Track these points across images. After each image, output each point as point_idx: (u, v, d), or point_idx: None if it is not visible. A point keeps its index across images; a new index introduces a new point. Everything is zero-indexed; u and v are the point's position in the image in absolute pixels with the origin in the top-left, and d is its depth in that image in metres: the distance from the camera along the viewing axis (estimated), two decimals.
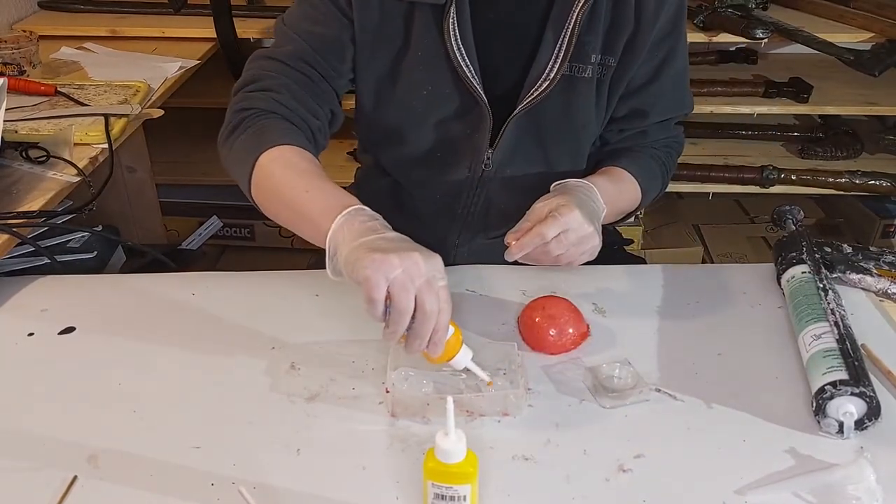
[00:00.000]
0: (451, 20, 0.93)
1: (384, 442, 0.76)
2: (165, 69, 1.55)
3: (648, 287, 1.01)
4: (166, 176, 1.96)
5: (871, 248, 1.02)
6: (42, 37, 1.56)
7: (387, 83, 1.01)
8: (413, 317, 0.72)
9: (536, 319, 0.89)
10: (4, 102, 1.07)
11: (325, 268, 0.79)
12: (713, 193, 2.08)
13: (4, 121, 1.09)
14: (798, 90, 1.94)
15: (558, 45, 0.96)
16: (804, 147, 2.07)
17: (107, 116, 1.24)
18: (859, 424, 0.76)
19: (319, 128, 0.97)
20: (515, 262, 0.89)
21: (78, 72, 1.54)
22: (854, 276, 0.99)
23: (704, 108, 1.92)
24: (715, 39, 1.80)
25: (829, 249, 1.00)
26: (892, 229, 2.20)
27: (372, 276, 0.71)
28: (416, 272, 0.72)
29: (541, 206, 0.90)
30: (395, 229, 0.79)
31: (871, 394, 0.75)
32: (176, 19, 1.82)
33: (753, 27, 1.71)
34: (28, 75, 1.48)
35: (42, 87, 1.34)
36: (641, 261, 1.24)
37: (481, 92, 0.97)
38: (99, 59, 1.63)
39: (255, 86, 0.96)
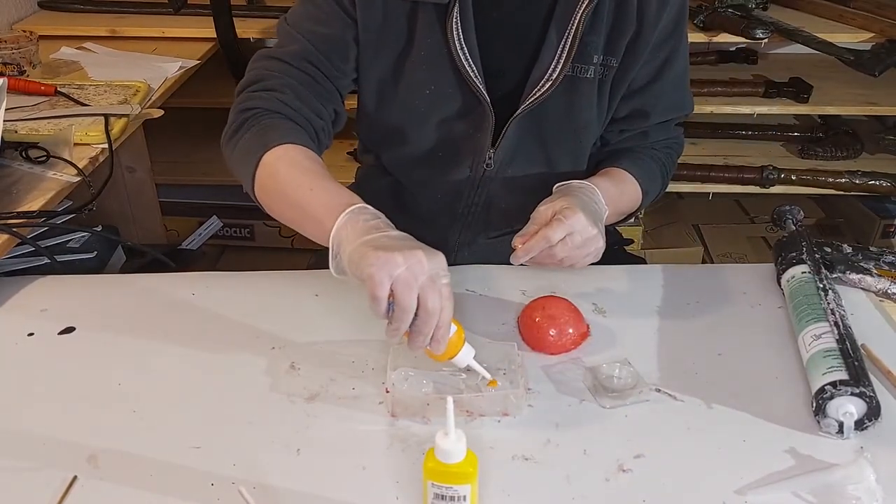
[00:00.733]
0: (454, 20, 0.93)
1: (384, 442, 0.76)
2: (165, 69, 1.55)
3: (648, 287, 1.01)
4: (166, 176, 1.95)
5: (871, 248, 1.02)
6: (42, 37, 1.56)
7: (389, 83, 1.01)
8: (416, 314, 0.72)
9: (536, 319, 0.89)
10: (4, 102, 1.07)
11: (325, 267, 0.79)
12: (713, 193, 2.08)
13: (4, 121, 1.09)
14: (798, 90, 1.93)
15: (561, 46, 0.96)
16: (804, 147, 2.07)
17: (107, 116, 1.24)
18: (859, 424, 0.76)
19: (323, 127, 0.97)
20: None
21: (78, 72, 1.54)
22: (854, 276, 0.99)
23: (704, 108, 1.92)
24: (715, 39, 1.80)
25: (829, 249, 1.00)
26: (892, 229, 2.20)
27: (376, 273, 0.71)
28: (419, 270, 0.72)
29: (545, 209, 0.90)
30: (396, 228, 0.79)
31: (871, 394, 0.75)
32: (176, 19, 1.82)
33: (753, 27, 1.71)
34: (28, 75, 1.48)
35: (42, 87, 1.34)
36: (641, 261, 1.23)
37: (484, 92, 0.97)
38: (99, 59, 1.63)
39: (258, 86, 0.96)
